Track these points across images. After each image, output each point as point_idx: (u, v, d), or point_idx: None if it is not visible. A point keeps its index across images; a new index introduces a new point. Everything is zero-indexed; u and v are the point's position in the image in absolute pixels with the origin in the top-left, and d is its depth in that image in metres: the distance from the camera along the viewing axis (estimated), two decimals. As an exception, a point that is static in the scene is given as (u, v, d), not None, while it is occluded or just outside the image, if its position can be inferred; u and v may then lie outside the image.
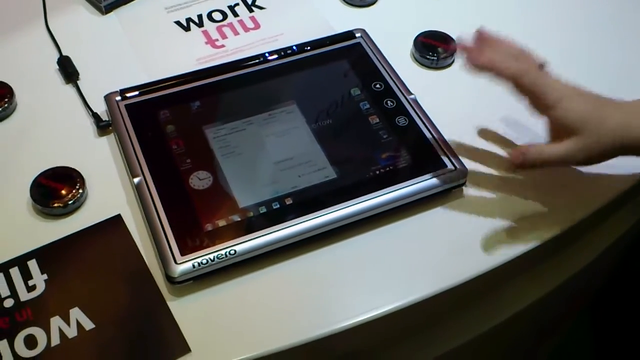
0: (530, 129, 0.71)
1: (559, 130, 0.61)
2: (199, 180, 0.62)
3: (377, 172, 0.64)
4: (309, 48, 0.74)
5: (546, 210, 0.65)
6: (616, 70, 0.78)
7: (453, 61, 0.78)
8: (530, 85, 0.59)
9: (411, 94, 0.70)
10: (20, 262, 0.58)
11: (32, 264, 0.58)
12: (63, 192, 0.62)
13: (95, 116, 0.69)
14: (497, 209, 0.65)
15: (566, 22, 0.84)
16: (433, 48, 0.77)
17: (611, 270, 1.05)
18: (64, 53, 0.75)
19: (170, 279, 0.56)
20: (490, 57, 0.61)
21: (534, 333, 0.98)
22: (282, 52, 0.73)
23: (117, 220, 0.62)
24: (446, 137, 0.67)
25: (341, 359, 0.64)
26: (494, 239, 0.63)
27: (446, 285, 0.59)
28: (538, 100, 0.59)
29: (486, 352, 0.90)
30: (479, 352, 0.86)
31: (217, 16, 0.81)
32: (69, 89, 0.72)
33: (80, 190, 0.62)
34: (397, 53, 0.76)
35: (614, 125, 0.58)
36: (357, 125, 0.68)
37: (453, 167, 0.64)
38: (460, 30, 0.78)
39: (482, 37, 0.64)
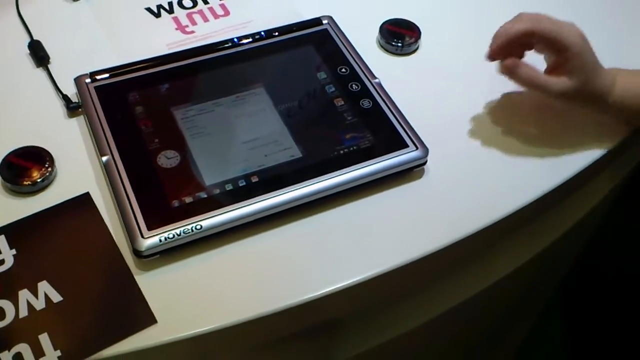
0: (491, 112, 0.74)
1: (559, 69, 0.66)
2: (167, 159, 0.64)
3: (341, 152, 0.66)
4: (276, 34, 0.76)
5: (505, 189, 0.67)
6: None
7: (417, 48, 0.80)
8: (545, 30, 0.65)
9: (375, 78, 0.72)
10: (-11, 238, 0.59)
11: (1, 240, 0.59)
12: (32, 170, 0.63)
13: (65, 98, 0.70)
14: (458, 187, 0.67)
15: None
16: (398, 35, 0.79)
17: (579, 254, 1.08)
18: (35, 37, 0.76)
19: (137, 253, 0.58)
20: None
21: (501, 313, 1.00)
22: (251, 37, 0.75)
23: (85, 197, 0.63)
24: (409, 119, 0.69)
25: (305, 332, 0.66)
26: (455, 214, 0.65)
27: (405, 260, 0.61)
28: (554, 43, 0.65)
29: (451, 334, 0.93)
30: (442, 332, 0.88)
31: (187, 3, 0.83)
32: (40, 73, 0.73)
33: (50, 169, 0.63)
34: (363, 39, 0.78)
35: (608, 79, 0.67)
36: (323, 107, 0.70)
37: (414, 147, 0.66)
38: (425, 18, 0.81)
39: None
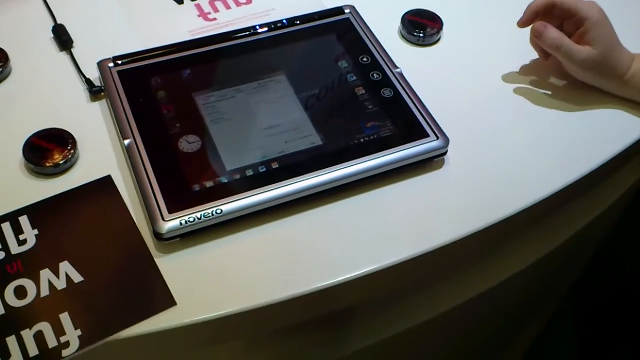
0: (513, 103, 0.74)
1: (580, 41, 0.70)
2: (188, 143, 0.64)
3: (362, 140, 0.66)
4: (298, 22, 0.76)
5: (526, 180, 0.67)
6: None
7: (439, 39, 0.79)
8: (563, 2, 0.70)
9: (397, 67, 0.72)
10: (12, 217, 0.60)
11: (24, 220, 0.60)
12: (55, 152, 0.63)
13: (88, 82, 0.70)
14: (478, 177, 0.67)
15: None
16: (420, 25, 0.79)
17: (595, 250, 1.07)
18: (59, 21, 0.77)
19: (157, 236, 0.58)
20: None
21: (512, 312, 1.00)
22: (273, 25, 0.75)
23: (107, 180, 0.63)
24: (430, 109, 0.69)
25: (326, 317, 0.66)
26: (474, 205, 0.65)
27: (423, 250, 0.61)
28: (573, 13, 0.70)
29: (460, 331, 0.92)
30: (452, 329, 0.88)
31: (210, -10, 0.83)
32: (63, 56, 0.74)
33: (72, 151, 0.64)
34: (384, 29, 0.78)
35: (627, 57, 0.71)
36: (344, 95, 0.70)
37: (435, 137, 0.66)
38: (447, 9, 0.81)
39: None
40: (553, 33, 0.70)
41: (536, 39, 0.71)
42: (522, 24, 0.73)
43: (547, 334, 1.23)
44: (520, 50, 0.76)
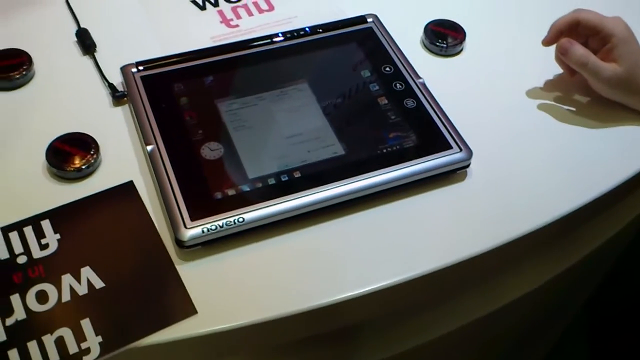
0: (536, 117, 0.73)
1: (606, 58, 0.70)
2: (210, 150, 0.64)
3: (384, 151, 0.65)
4: (321, 30, 0.76)
5: (548, 196, 0.67)
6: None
7: (462, 49, 0.79)
8: (589, 18, 0.70)
9: (420, 77, 0.72)
10: (34, 221, 0.60)
11: (46, 224, 0.60)
12: (78, 156, 0.63)
13: (111, 87, 0.70)
14: (501, 191, 0.66)
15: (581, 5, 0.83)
16: (443, 36, 0.79)
17: (609, 268, 1.06)
18: (83, 25, 0.77)
19: (179, 243, 0.58)
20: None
21: (525, 329, 0.99)
22: (295, 33, 0.75)
23: (129, 186, 0.63)
24: (453, 120, 0.68)
25: (342, 330, 0.66)
26: (496, 219, 0.64)
27: (444, 264, 0.61)
28: (599, 30, 0.70)
29: (478, 344, 0.92)
30: (464, 346, 0.87)
31: (232, -3, 0.83)
32: (86, 60, 0.74)
33: (95, 156, 0.64)
34: (407, 39, 0.78)
35: None
36: (366, 105, 0.69)
37: (458, 149, 0.66)
38: (470, 19, 0.81)
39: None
40: (579, 50, 0.69)
41: (562, 56, 0.71)
42: (546, 43, 0.73)
43: (560, 350, 1.22)
44: (544, 64, 0.76)
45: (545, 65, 0.76)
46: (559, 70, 0.76)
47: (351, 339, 0.71)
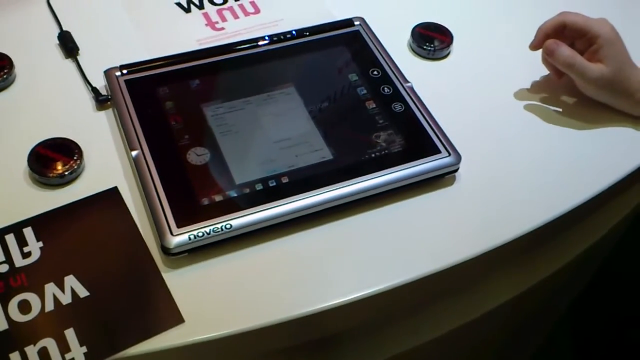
0: (524, 119, 0.73)
1: (592, 59, 0.70)
2: (197, 155, 0.63)
3: (373, 155, 0.65)
4: (308, 33, 0.75)
5: (536, 199, 0.66)
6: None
7: (449, 52, 0.79)
8: (575, 20, 0.70)
9: (408, 81, 0.71)
10: (16, 229, 0.58)
11: (28, 232, 0.58)
12: (61, 162, 0.62)
13: (95, 90, 0.69)
14: (489, 195, 0.66)
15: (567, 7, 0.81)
16: (430, 39, 0.78)
17: (594, 271, 1.07)
18: (65, 28, 0.75)
19: (165, 250, 0.57)
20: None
21: (513, 330, 0.99)
22: (282, 36, 0.74)
23: (113, 192, 0.62)
24: (441, 124, 0.68)
25: (329, 338, 0.65)
26: (485, 223, 0.64)
27: (433, 269, 0.60)
28: (585, 32, 0.70)
29: (466, 348, 0.91)
30: (452, 349, 0.87)
31: (217, -1, 0.82)
32: (69, 64, 0.73)
33: (78, 162, 0.63)
34: (394, 42, 0.77)
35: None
36: (354, 109, 0.69)
37: (447, 153, 0.65)
38: (457, 22, 0.81)
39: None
40: (566, 51, 0.69)
41: (548, 57, 0.71)
42: (534, 47, 0.73)
43: (546, 351, 1.23)
44: (531, 66, 0.76)
45: (532, 68, 0.76)
46: (545, 72, 0.76)
47: (340, 345, 0.70)
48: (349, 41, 0.75)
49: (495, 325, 0.88)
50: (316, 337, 0.64)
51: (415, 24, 0.80)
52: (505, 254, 0.65)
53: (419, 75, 0.73)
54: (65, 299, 0.55)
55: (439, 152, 0.65)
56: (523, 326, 1.01)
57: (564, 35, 0.71)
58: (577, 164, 0.70)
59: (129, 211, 0.61)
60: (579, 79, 0.70)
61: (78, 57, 0.73)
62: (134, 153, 0.62)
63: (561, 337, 1.25)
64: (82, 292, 0.55)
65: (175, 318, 0.54)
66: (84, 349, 0.52)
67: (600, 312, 1.20)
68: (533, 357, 1.21)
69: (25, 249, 0.57)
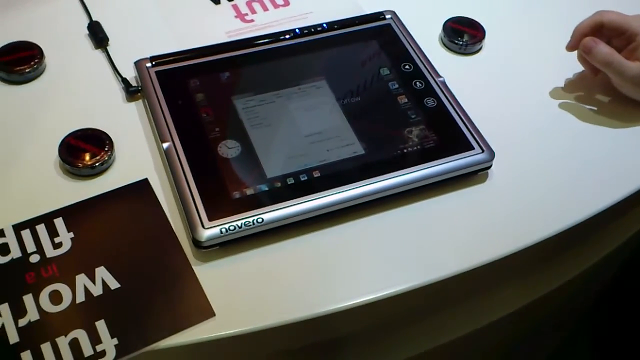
0: (557, 117, 0.72)
1: (631, 57, 0.69)
2: (228, 148, 0.62)
3: (405, 151, 0.64)
4: (338, 27, 0.74)
5: (570, 198, 0.65)
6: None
7: (481, 47, 0.78)
8: (612, 19, 0.70)
9: (440, 76, 0.70)
10: (47, 219, 0.58)
11: (59, 222, 0.58)
12: (92, 153, 0.62)
13: (125, 81, 0.69)
14: (522, 193, 0.65)
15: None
16: (462, 33, 0.77)
17: (615, 271, 1.05)
18: (94, 18, 0.75)
19: (197, 244, 0.56)
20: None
21: (530, 334, 0.98)
22: (313, 29, 0.73)
23: (144, 184, 0.62)
24: (474, 120, 0.67)
25: (356, 334, 0.65)
26: (517, 222, 0.63)
27: (464, 267, 0.59)
28: (624, 30, 0.69)
29: (488, 345, 0.90)
30: (471, 351, 0.86)
31: (247, -9, 0.81)
32: (99, 54, 0.73)
33: (109, 153, 0.62)
34: (425, 36, 0.76)
35: None
36: (386, 104, 0.68)
37: (480, 150, 0.64)
38: (490, 17, 0.79)
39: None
40: (604, 49, 0.68)
41: (586, 55, 0.69)
42: (570, 48, 0.72)
43: (563, 352, 1.21)
44: (564, 62, 0.75)
45: (566, 65, 0.75)
46: (580, 68, 0.74)
47: (351, 346, 0.69)
48: (380, 35, 0.74)
49: (509, 330, 0.87)
50: (335, 337, 0.63)
51: (447, 18, 0.79)
52: (539, 253, 0.64)
53: (450, 70, 0.72)
54: (96, 290, 0.54)
55: (472, 148, 0.64)
56: (537, 331, 0.99)
57: (601, 34, 0.70)
58: (612, 162, 0.69)
59: (159, 203, 0.60)
60: (616, 77, 0.69)
61: (108, 48, 0.73)
62: (165, 145, 0.62)
63: (580, 339, 1.23)
64: (113, 284, 0.55)
65: (206, 312, 0.54)
66: (115, 341, 0.52)
67: (620, 315, 1.19)
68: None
69: (57, 240, 0.57)
